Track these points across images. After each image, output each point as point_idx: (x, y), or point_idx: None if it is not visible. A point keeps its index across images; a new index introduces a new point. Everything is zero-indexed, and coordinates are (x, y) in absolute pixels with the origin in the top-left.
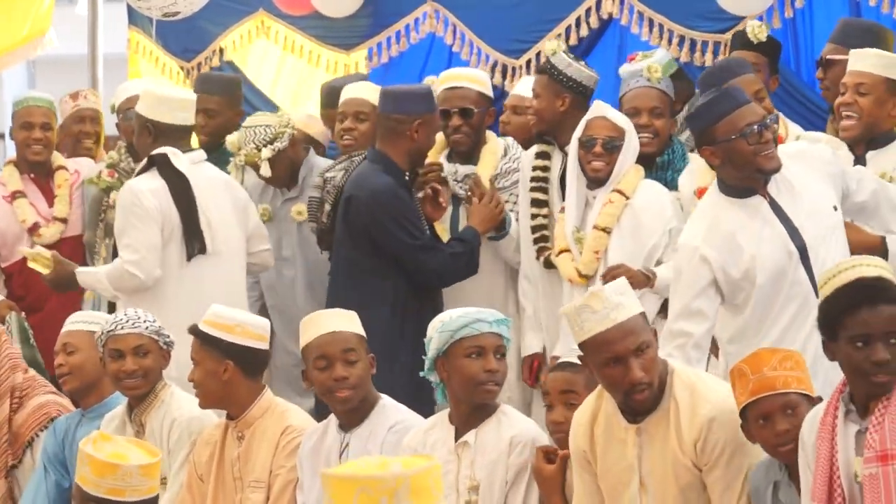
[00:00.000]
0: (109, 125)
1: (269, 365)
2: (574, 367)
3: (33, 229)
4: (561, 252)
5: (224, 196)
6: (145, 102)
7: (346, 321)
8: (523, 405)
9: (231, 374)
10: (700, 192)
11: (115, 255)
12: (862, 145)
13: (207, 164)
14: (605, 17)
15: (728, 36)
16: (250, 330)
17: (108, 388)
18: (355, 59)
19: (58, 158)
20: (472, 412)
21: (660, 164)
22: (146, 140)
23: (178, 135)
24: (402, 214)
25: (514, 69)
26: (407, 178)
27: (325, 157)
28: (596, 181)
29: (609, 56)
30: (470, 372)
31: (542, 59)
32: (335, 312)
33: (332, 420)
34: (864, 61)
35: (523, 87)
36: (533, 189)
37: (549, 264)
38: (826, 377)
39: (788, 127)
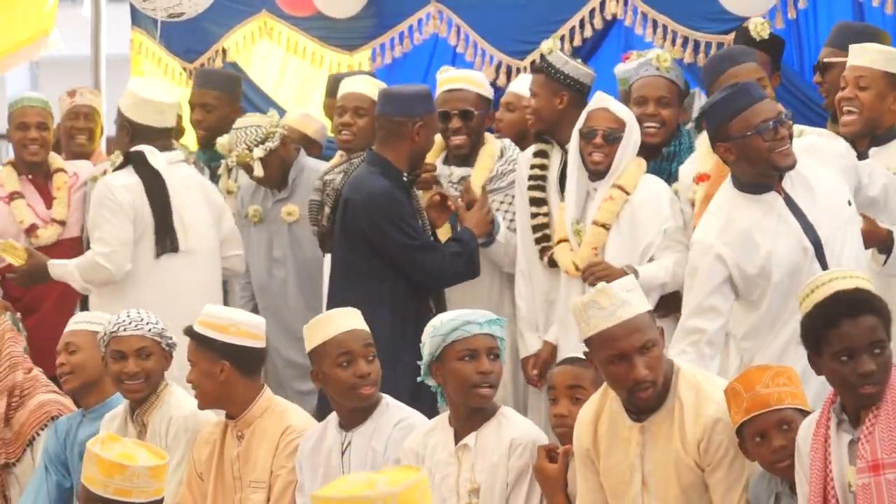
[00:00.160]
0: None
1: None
2: (582, 362)
3: (31, 230)
4: (560, 242)
5: (199, 197)
6: (127, 101)
7: (360, 320)
8: (516, 404)
9: (228, 374)
10: (699, 179)
11: None
12: (864, 141)
13: (184, 165)
14: (608, 18)
15: (731, 37)
16: (245, 329)
17: (109, 388)
18: (359, 59)
19: (56, 161)
20: (470, 415)
21: (665, 155)
22: (124, 138)
23: (154, 136)
24: (399, 216)
25: (517, 70)
26: (406, 179)
27: (322, 157)
28: (596, 173)
29: (614, 57)
30: (463, 375)
31: (539, 58)
32: (349, 311)
33: (332, 419)
34: (863, 56)
35: (519, 84)
36: (532, 188)
37: (553, 263)
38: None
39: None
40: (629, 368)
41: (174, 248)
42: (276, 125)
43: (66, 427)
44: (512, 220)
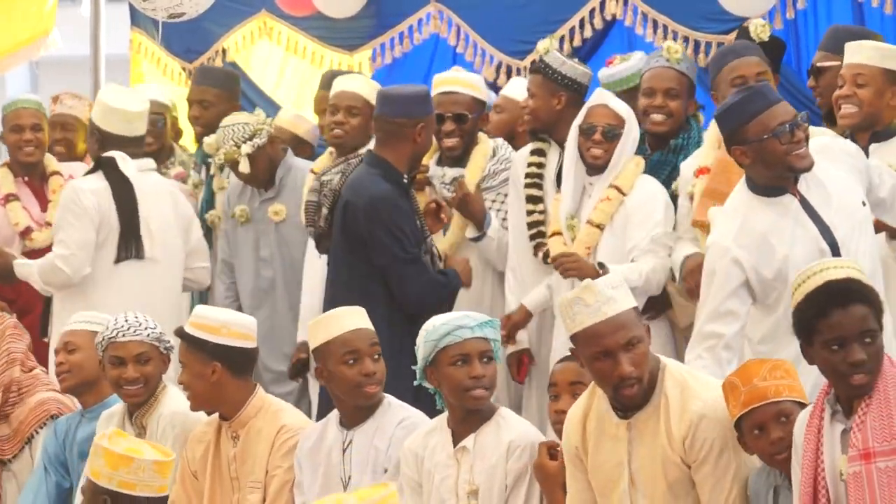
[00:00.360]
0: None
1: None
2: None
3: (25, 233)
4: (553, 234)
5: (168, 206)
6: (97, 109)
7: (365, 319)
8: (510, 404)
9: (219, 375)
10: (699, 172)
11: None
12: (865, 137)
13: (155, 174)
14: (608, 18)
15: (731, 37)
16: (236, 329)
17: (108, 388)
18: (359, 59)
19: (52, 163)
20: (468, 417)
21: (672, 147)
22: (94, 145)
23: (122, 144)
24: (398, 225)
25: (518, 70)
26: (405, 181)
27: (312, 158)
28: (594, 168)
29: None
30: (456, 380)
31: (536, 58)
32: (355, 310)
33: (332, 418)
34: (860, 53)
35: (511, 88)
36: (528, 185)
37: (548, 257)
38: None
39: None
40: (614, 365)
41: (139, 255)
42: (264, 123)
43: (65, 427)
44: (504, 219)
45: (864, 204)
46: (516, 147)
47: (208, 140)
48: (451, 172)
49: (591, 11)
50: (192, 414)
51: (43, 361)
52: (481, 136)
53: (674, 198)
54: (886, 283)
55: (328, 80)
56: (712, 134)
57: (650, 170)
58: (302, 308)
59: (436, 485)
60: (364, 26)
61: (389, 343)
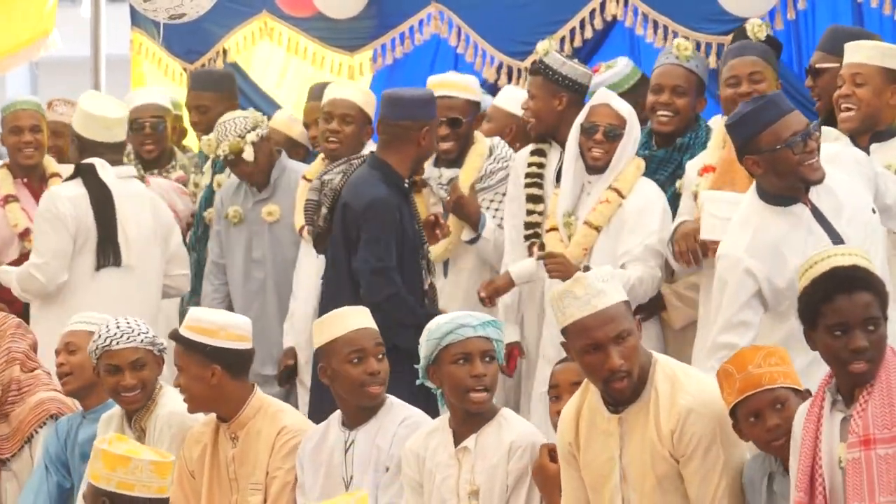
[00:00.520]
0: None
1: None
2: None
3: (24, 234)
4: (550, 230)
5: (147, 213)
6: (76, 116)
7: (370, 319)
8: (506, 404)
9: (219, 377)
10: (704, 170)
11: None
12: (865, 137)
13: (136, 181)
14: (608, 18)
15: (731, 38)
16: (233, 332)
17: None
18: (359, 60)
19: (51, 165)
20: (469, 417)
21: (678, 145)
22: (74, 151)
23: (101, 150)
24: (382, 232)
25: (518, 71)
26: (406, 184)
27: (306, 160)
28: (594, 169)
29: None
30: (457, 378)
31: (535, 60)
32: (359, 310)
33: (334, 419)
34: (859, 53)
35: (501, 98)
36: (528, 185)
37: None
38: None
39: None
40: (604, 358)
41: (116, 262)
42: (262, 118)
43: (66, 428)
44: (502, 219)
45: (873, 212)
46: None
47: (206, 138)
48: (447, 173)
49: (592, 12)
50: (188, 413)
51: None
52: (477, 135)
53: (676, 196)
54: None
55: (317, 92)
56: (718, 133)
57: (654, 166)
58: (289, 313)
59: (437, 485)
60: (365, 27)
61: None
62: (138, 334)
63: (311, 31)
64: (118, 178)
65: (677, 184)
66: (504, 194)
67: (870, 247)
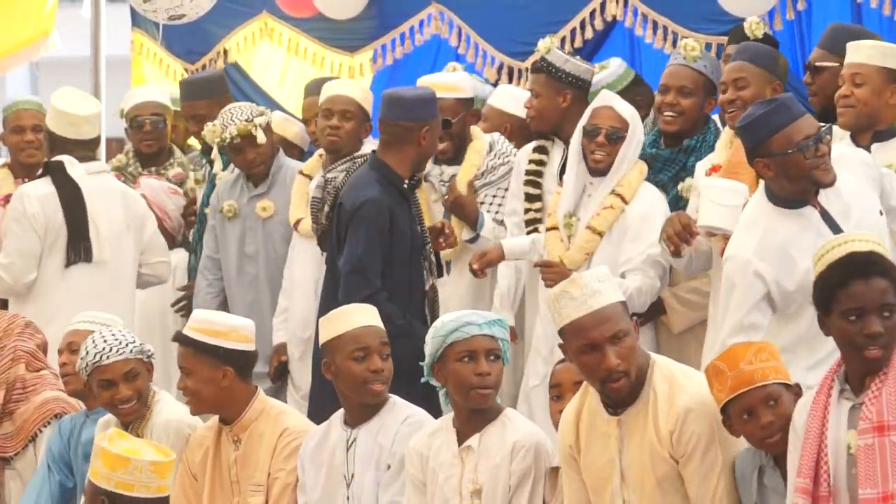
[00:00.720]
0: (117, 128)
1: None
2: None
3: None
4: (550, 229)
5: (118, 207)
6: (49, 113)
7: (376, 317)
8: (511, 400)
9: (230, 379)
10: (711, 170)
11: None
12: (866, 137)
13: (107, 176)
14: (608, 19)
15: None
16: (243, 333)
17: None
18: (360, 61)
19: None
20: (473, 416)
21: (685, 147)
22: (46, 148)
23: (71, 147)
24: (369, 232)
25: (519, 71)
26: (406, 185)
27: (301, 161)
28: (596, 171)
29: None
30: (462, 376)
31: (537, 58)
32: (366, 307)
33: (336, 418)
34: (859, 52)
35: (497, 97)
36: (527, 183)
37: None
38: None
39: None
40: (600, 358)
41: (87, 259)
42: (265, 109)
43: (69, 427)
44: (505, 214)
45: (881, 213)
46: None
47: (209, 126)
48: (448, 170)
49: (592, 13)
50: (185, 420)
51: None
52: (476, 132)
53: (678, 198)
54: None
55: (314, 87)
56: (725, 132)
57: (659, 165)
58: (280, 309)
59: (439, 484)
60: (365, 27)
61: None
62: (126, 345)
63: (312, 31)
64: (88, 173)
65: (680, 186)
66: (506, 189)
67: None
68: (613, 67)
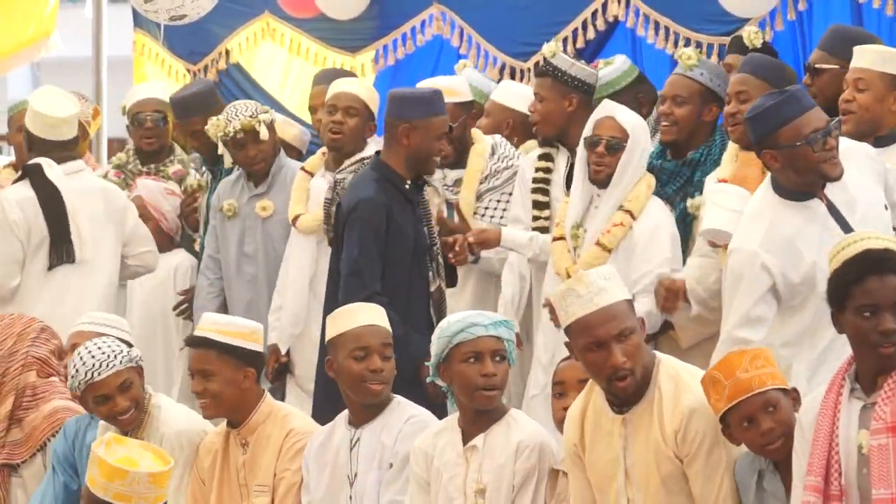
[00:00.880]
0: (119, 127)
1: None
2: None
3: None
4: (557, 239)
5: (98, 205)
6: (28, 113)
7: (382, 318)
8: (517, 400)
9: (251, 381)
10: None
11: None
12: (868, 142)
13: (85, 174)
14: (610, 19)
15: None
16: (259, 335)
17: None
18: (361, 61)
19: None
20: (478, 416)
21: (690, 160)
22: (25, 147)
23: (48, 148)
24: (364, 232)
25: (521, 71)
26: (409, 186)
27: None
28: (598, 182)
29: None
30: (467, 377)
31: (541, 62)
32: (372, 307)
33: (341, 419)
34: (863, 57)
35: (500, 93)
36: (534, 191)
37: None
38: None
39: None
40: (606, 356)
41: (70, 260)
42: (268, 108)
43: (74, 429)
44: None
45: (886, 208)
46: None
47: (214, 120)
48: (452, 174)
49: (594, 13)
50: (196, 428)
51: None
52: (478, 135)
53: (685, 214)
54: None
55: (322, 77)
56: (731, 146)
57: (665, 178)
58: (274, 306)
59: (444, 483)
60: (367, 28)
61: None
62: (116, 356)
63: (314, 31)
64: (66, 174)
65: (689, 203)
66: (510, 194)
67: None
68: (618, 64)
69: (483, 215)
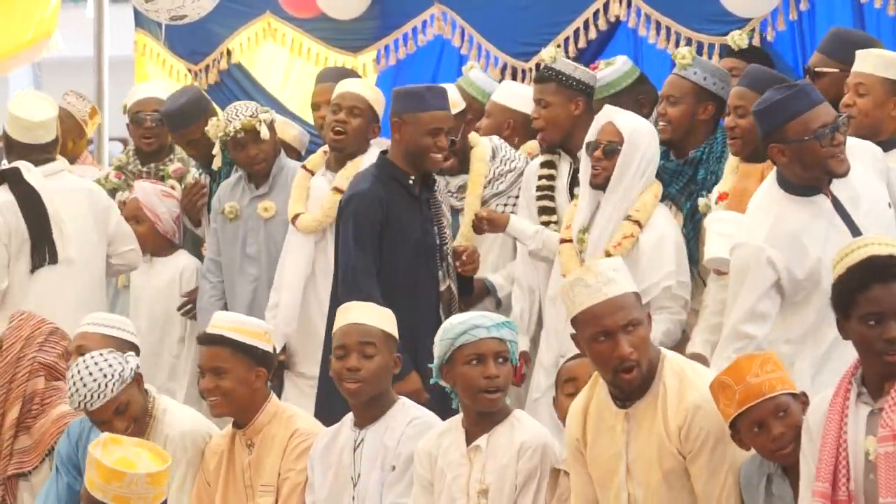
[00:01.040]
0: (120, 127)
1: None
2: None
3: None
4: (564, 241)
5: (81, 204)
6: (6, 117)
7: (375, 316)
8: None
9: (262, 380)
10: (719, 198)
11: None
12: None
13: (66, 175)
14: (612, 19)
15: None
16: (270, 336)
17: None
18: (363, 61)
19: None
20: (481, 417)
21: (691, 159)
22: (5, 153)
23: (26, 151)
24: (357, 228)
25: (523, 72)
26: (412, 181)
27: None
28: (595, 185)
29: None
30: (470, 379)
31: (542, 67)
32: (367, 306)
33: (347, 419)
34: (864, 62)
35: (500, 93)
36: (540, 198)
37: None
38: None
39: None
40: (613, 346)
41: (53, 261)
42: (268, 108)
43: (78, 430)
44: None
45: (889, 206)
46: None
47: (214, 121)
48: (454, 181)
49: (595, 13)
50: (201, 429)
51: None
52: (476, 138)
53: (694, 212)
54: None
55: (326, 74)
56: (731, 159)
57: (667, 178)
58: (271, 303)
59: (447, 483)
60: (368, 28)
61: None
62: (108, 384)
63: (315, 31)
64: (45, 175)
65: (700, 202)
66: (517, 197)
67: None
68: (618, 64)
69: None
